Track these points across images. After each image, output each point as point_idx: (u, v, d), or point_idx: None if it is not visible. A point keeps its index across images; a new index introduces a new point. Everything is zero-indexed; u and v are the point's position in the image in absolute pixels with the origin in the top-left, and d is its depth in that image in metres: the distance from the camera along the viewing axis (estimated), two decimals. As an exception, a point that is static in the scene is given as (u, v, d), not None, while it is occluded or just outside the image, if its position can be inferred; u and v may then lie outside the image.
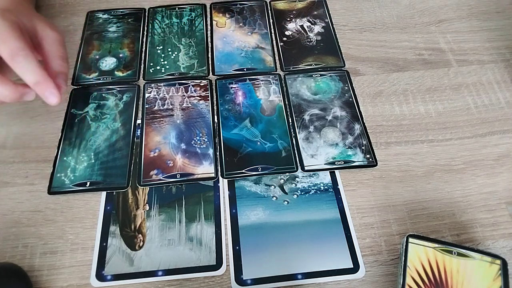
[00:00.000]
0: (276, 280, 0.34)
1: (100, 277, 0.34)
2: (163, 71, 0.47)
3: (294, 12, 0.53)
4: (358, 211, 0.38)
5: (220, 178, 0.39)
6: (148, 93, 0.45)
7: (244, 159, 0.40)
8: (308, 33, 0.51)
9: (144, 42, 0.50)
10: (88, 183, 0.39)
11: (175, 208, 0.38)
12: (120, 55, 0.48)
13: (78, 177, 0.39)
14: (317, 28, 0.51)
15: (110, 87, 0.45)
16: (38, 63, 0.34)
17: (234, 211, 0.38)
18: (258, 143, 0.41)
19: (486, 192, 0.39)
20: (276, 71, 0.47)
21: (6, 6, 0.37)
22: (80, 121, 0.43)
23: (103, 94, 0.45)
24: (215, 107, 0.44)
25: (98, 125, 0.43)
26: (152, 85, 0.46)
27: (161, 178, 0.39)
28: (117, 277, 0.34)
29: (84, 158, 0.40)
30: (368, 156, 0.41)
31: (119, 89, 0.45)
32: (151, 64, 0.48)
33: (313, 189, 0.39)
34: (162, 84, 0.46)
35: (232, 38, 0.50)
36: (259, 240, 0.36)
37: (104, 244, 0.36)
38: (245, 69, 0.47)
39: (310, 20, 0.52)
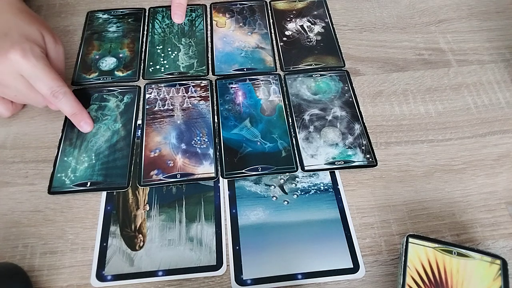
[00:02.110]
0: (276, 280, 0.34)
1: (100, 277, 0.34)
2: (162, 70, 0.47)
3: (294, 12, 0.53)
4: (358, 211, 0.38)
5: (220, 178, 0.39)
6: (149, 93, 0.45)
7: (244, 159, 0.40)
8: (308, 33, 0.51)
9: (144, 42, 0.50)
10: (89, 183, 0.39)
11: (175, 208, 0.38)
12: (120, 55, 0.48)
13: (79, 177, 0.39)
14: (317, 28, 0.51)
15: (111, 88, 0.45)
16: (74, 97, 0.40)
17: (234, 211, 0.38)
18: (258, 143, 0.41)
19: (486, 192, 0.39)
20: (276, 71, 0.47)
21: (19, 24, 0.39)
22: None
23: (104, 96, 0.45)
24: (215, 107, 0.44)
25: (99, 126, 0.43)
26: (153, 85, 0.46)
27: (161, 178, 0.39)
28: (117, 277, 0.34)
29: (85, 158, 0.40)
30: (368, 156, 0.41)
31: (120, 90, 0.45)
32: (151, 63, 0.48)
33: (313, 189, 0.39)
34: (162, 85, 0.46)
35: (232, 38, 0.50)
36: (259, 240, 0.36)
37: (104, 244, 0.36)
38: (245, 69, 0.47)
39: (310, 20, 0.52)
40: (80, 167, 0.40)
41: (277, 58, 0.49)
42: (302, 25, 0.52)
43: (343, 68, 0.48)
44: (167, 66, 0.47)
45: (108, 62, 0.48)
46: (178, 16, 0.51)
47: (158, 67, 0.47)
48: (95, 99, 0.45)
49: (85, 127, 0.41)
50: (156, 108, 0.44)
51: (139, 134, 0.42)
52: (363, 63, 0.48)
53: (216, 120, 0.43)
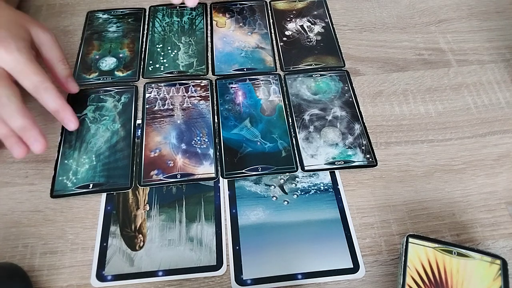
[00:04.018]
0: (276, 280, 0.34)
1: (101, 277, 0.34)
2: (162, 69, 0.47)
3: (294, 12, 0.53)
4: (358, 211, 0.38)
5: (220, 178, 0.39)
6: (149, 93, 0.45)
7: (244, 159, 0.40)
8: (308, 33, 0.51)
9: (144, 41, 0.50)
10: (91, 185, 0.39)
11: (175, 208, 0.38)
12: (120, 55, 0.48)
13: (81, 179, 0.39)
14: (317, 28, 0.51)
15: (108, 88, 0.45)
16: (58, 93, 0.38)
17: (234, 211, 0.38)
18: (258, 143, 0.41)
19: (486, 192, 0.39)
20: (276, 71, 0.47)
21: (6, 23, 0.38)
22: (79, 123, 0.43)
23: (101, 96, 0.45)
24: (215, 107, 0.44)
25: (97, 127, 0.42)
26: (153, 85, 0.46)
27: (161, 178, 0.39)
28: (118, 277, 0.34)
29: (85, 160, 0.40)
30: (368, 156, 0.41)
31: (116, 90, 0.45)
32: (150, 62, 0.48)
33: (313, 189, 0.39)
34: (162, 84, 0.46)
35: (232, 38, 0.50)
36: (259, 240, 0.36)
37: (105, 244, 0.36)
38: (245, 69, 0.47)
39: (310, 20, 0.52)
40: (81, 169, 0.40)
41: (277, 58, 0.49)
42: (302, 25, 0.52)
43: (343, 68, 0.48)
44: (166, 64, 0.47)
45: (108, 62, 0.48)
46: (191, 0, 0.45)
47: (157, 65, 0.47)
48: (92, 100, 0.44)
49: (69, 125, 0.39)
50: (156, 108, 0.44)
51: (139, 134, 0.42)
52: (363, 63, 0.48)
53: (216, 120, 0.43)
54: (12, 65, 0.36)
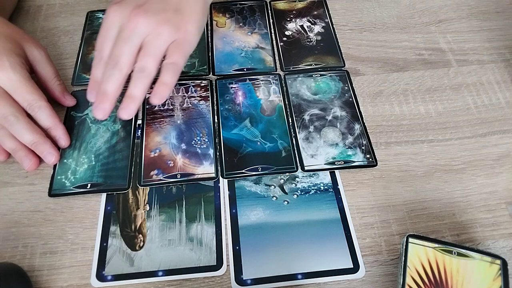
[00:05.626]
0: (276, 280, 0.34)
1: (101, 277, 0.34)
2: (163, 71, 0.47)
3: (294, 12, 0.53)
4: (358, 211, 0.38)
5: (220, 178, 0.39)
6: (148, 93, 0.45)
7: (244, 159, 0.40)
8: (308, 33, 0.51)
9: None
10: (89, 185, 0.39)
11: (175, 208, 0.38)
12: (120, 55, 0.48)
13: (79, 179, 0.39)
14: (317, 28, 0.51)
15: None
16: (51, 111, 0.39)
17: (234, 211, 0.38)
18: (258, 143, 0.41)
19: (486, 192, 0.39)
20: (276, 71, 0.47)
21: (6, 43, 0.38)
22: (80, 123, 0.43)
23: None
24: (215, 107, 0.44)
25: (98, 127, 0.42)
26: (153, 85, 0.46)
27: (161, 178, 0.39)
28: (118, 277, 0.34)
29: (84, 160, 0.40)
30: (368, 156, 0.41)
31: None
32: (151, 64, 0.47)
33: (313, 189, 0.39)
34: (162, 84, 0.46)
35: (232, 38, 0.50)
36: (259, 240, 0.36)
37: (105, 244, 0.36)
38: (245, 69, 0.47)
39: (310, 20, 0.52)
40: (80, 169, 0.40)
41: (277, 58, 0.49)
42: (302, 25, 0.52)
43: (343, 68, 0.48)
44: (167, 66, 0.47)
45: (108, 62, 0.48)
46: (158, 98, 0.37)
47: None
48: None
49: (59, 142, 0.40)
50: (156, 108, 0.44)
51: (139, 134, 0.42)
52: (363, 63, 0.48)
53: (216, 120, 0.43)
54: (7, 83, 0.37)
